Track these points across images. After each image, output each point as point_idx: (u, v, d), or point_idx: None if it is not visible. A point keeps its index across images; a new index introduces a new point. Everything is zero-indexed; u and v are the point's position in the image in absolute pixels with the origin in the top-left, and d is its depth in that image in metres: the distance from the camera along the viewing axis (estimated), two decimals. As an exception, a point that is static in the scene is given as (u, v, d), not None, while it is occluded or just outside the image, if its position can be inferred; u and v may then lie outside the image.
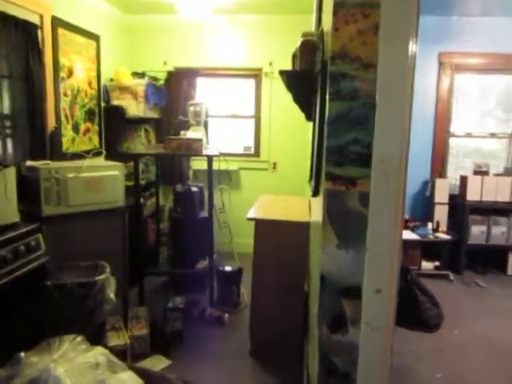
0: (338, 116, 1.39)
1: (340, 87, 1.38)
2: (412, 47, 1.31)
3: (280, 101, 4.52)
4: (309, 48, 2.07)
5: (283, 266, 2.64)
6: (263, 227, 2.65)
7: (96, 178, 2.78)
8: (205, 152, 3.17)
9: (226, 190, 4.53)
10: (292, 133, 4.58)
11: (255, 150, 4.74)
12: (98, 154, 3.36)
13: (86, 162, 2.76)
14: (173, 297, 2.97)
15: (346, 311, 1.52)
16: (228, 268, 3.51)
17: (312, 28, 2.92)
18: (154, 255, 4.11)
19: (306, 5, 4.08)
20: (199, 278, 3.62)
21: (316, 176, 1.61)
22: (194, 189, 3.64)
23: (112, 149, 3.84)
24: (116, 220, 2.97)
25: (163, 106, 4.42)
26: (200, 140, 3.12)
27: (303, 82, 2.14)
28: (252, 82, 4.65)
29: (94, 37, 3.73)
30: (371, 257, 1.45)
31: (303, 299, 2.65)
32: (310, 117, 3.17)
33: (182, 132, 3.46)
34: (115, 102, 3.98)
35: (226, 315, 3.19)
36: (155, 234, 4.16)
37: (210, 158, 3.13)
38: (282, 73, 2.10)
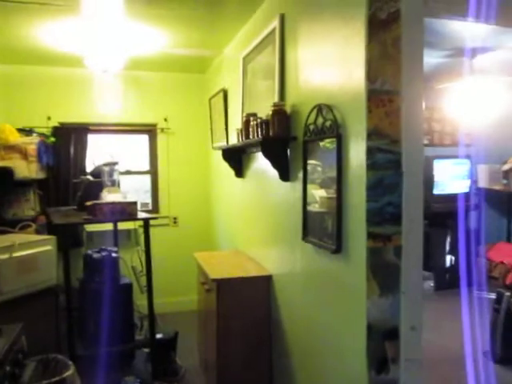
0: (376, 183, 1.63)
1: (376, 159, 1.62)
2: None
3: (178, 156, 4.55)
4: (281, 116, 2.29)
5: (248, 323, 2.68)
6: (226, 287, 2.65)
7: (30, 257, 2.40)
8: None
9: (129, 250, 4.24)
10: (192, 186, 4.62)
11: (153, 205, 4.61)
12: (24, 226, 2.85)
13: (17, 239, 2.37)
14: (124, 379, 2.68)
15: (387, 352, 1.71)
16: (162, 335, 3.31)
17: (240, 91, 3.13)
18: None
19: (200, 64, 4.30)
20: (127, 351, 3.30)
21: (338, 233, 1.80)
22: (114, 254, 3.36)
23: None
24: (48, 302, 2.59)
25: (52, 166, 3.98)
26: (135, 203, 2.96)
27: (278, 146, 2.33)
28: (146, 138, 4.58)
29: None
30: (406, 299, 1.70)
31: (270, 352, 2.72)
32: (240, 174, 3.35)
33: (103, 194, 3.20)
34: None
35: (176, 386, 3.00)
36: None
37: (146, 222, 2.98)
38: (263, 141, 2.25)
